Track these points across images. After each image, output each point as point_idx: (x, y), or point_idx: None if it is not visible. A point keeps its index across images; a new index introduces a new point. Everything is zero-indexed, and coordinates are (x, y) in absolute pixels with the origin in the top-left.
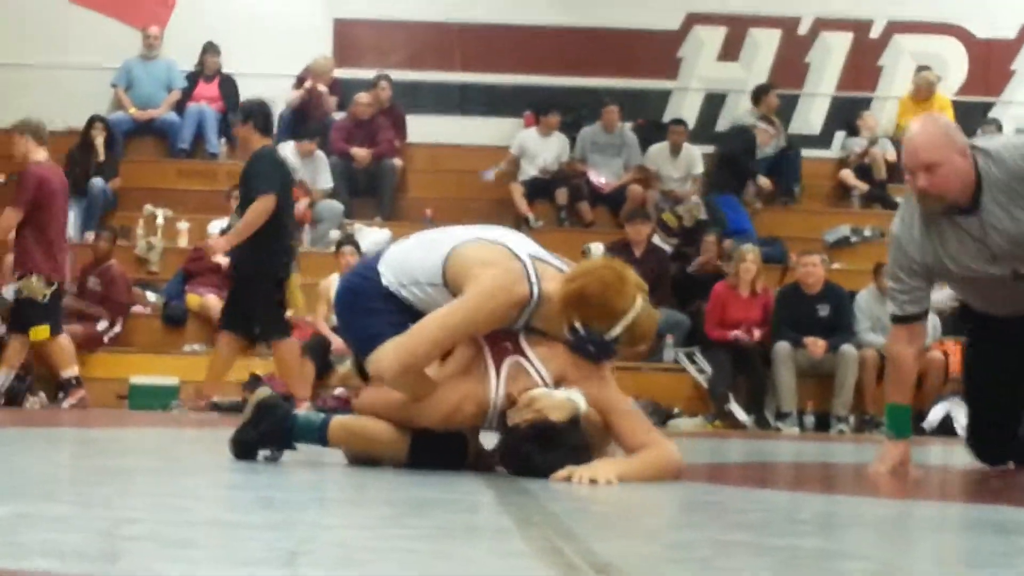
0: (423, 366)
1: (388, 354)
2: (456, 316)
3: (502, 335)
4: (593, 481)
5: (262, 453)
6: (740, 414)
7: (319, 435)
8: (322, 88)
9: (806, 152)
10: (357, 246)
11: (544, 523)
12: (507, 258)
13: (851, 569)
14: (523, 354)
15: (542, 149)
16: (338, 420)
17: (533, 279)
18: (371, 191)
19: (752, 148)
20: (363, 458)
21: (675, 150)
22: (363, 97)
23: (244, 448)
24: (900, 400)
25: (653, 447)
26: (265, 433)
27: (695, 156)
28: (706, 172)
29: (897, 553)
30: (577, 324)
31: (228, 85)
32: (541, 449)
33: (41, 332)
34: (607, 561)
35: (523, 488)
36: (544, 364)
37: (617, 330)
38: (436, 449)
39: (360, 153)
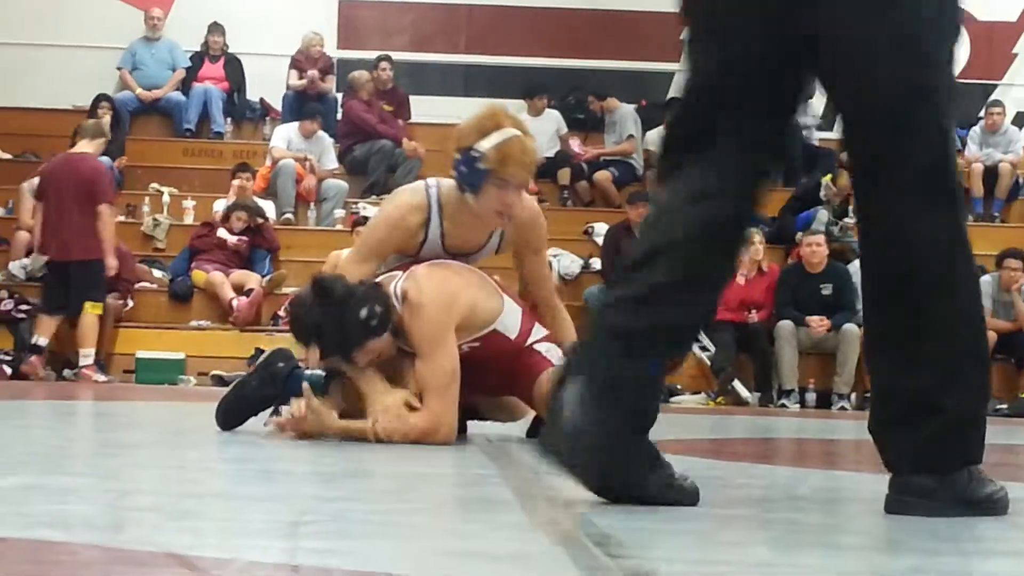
0: None
1: None
2: (360, 242)
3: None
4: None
5: (264, 415)
6: (743, 391)
7: (323, 387)
8: (314, 73)
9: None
10: None
11: (544, 496)
12: (408, 190)
13: (849, 544)
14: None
15: (535, 131)
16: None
17: (431, 185)
18: (374, 170)
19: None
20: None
21: None
22: (363, 76)
23: (236, 407)
24: None
25: (428, 412)
26: (268, 378)
27: None
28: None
29: (895, 528)
30: (455, 154)
31: (233, 65)
32: (320, 302)
33: (95, 308)
34: (606, 534)
35: (523, 461)
36: (405, 279)
37: (485, 144)
38: None
39: (409, 146)
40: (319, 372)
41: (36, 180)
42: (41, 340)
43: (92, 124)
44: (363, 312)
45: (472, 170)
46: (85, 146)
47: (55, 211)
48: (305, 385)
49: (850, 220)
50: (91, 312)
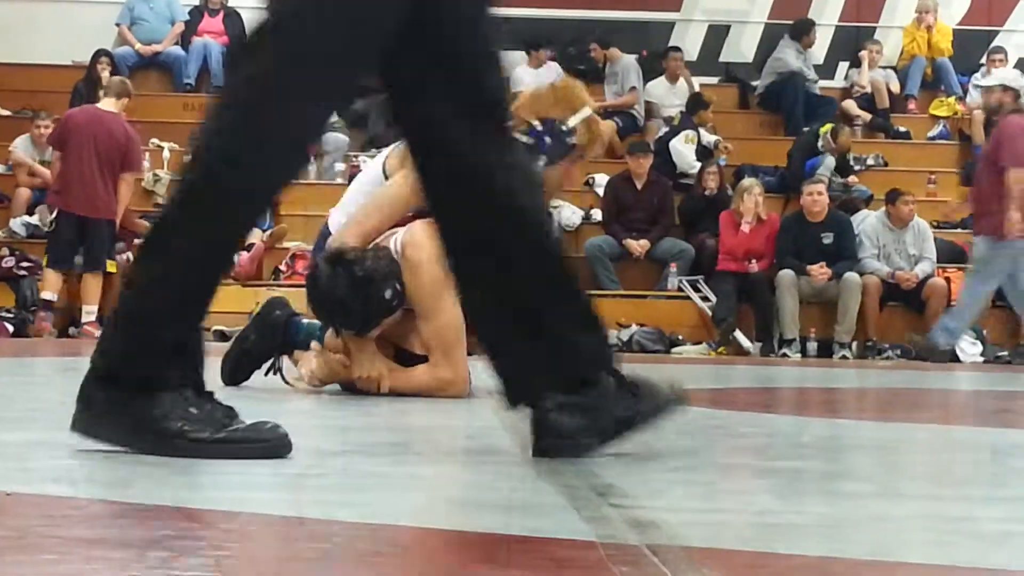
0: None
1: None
2: (389, 190)
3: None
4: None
5: (265, 366)
6: (744, 341)
7: (320, 336)
8: None
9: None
10: None
11: None
12: None
13: (851, 490)
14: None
15: (536, 82)
16: None
17: None
18: (374, 124)
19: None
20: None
21: (673, 78)
22: None
23: (240, 363)
24: None
25: (438, 369)
26: (266, 329)
27: (693, 85)
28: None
29: (896, 475)
30: (535, 121)
31: (233, 19)
32: (329, 266)
33: (112, 265)
34: (610, 484)
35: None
36: (403, 234)
37: (574, 120)
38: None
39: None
40: (316, 321)
41: (28, 137)
42: (49, 295)
43: (118, 82)
44: (388, 292)
45: (559, 143)
46: (111, 104)
47: (80, 165)
48: (315, 344)
49: (853, 177)
50: (111, 269)
